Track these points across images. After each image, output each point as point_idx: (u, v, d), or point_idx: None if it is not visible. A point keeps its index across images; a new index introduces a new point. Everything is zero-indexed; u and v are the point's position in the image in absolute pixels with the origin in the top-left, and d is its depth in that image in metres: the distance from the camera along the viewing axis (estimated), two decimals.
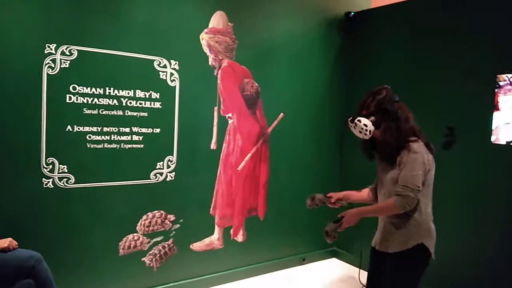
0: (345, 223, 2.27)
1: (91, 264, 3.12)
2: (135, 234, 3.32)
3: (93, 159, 3.07)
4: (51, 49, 2.84)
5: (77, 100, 2.97)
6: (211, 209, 3.74)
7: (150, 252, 3.41)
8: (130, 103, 3.20)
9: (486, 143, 3.21)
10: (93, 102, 3.04)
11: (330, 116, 4.44)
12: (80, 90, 2.98)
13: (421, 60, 3.74)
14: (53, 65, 2.86)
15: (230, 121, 3.77)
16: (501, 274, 3.11)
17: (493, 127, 3.18)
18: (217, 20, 3.60)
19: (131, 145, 3.24)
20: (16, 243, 2.50)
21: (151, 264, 3.42)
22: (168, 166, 3.44)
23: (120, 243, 3.26)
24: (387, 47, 4.10)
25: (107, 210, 3.17)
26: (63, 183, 2.96)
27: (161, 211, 3.44)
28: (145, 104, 3.27)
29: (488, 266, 3.18)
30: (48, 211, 2.92)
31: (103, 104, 3.08)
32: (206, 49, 3.55)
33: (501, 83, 3.13)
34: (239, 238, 3.96)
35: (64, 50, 2.89)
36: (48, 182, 2.91)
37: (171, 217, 3.49)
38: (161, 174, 3.41)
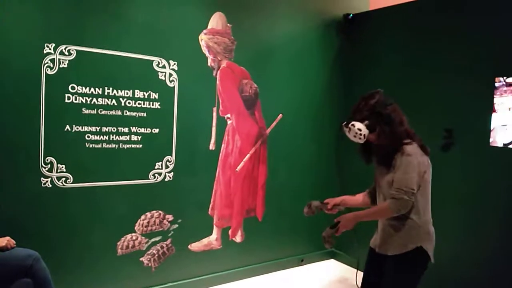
0: (342, 227, 2.28)
1: (90, 264, 3.13)
2: (133, 234, 3.32)
3: (91, 159, 3.08)
4: (50, 49, 2.85)
5: (75, 100, 2.98)
6: (209, 209, 3.74)
7: (149, 252, 3.41)
8: (129, 103, 3.21)
9: (484, 145, 3.21)
10: (92, 102, 3.05)
11: (329, 117, 4.45)
12: (79, 90, 2.99)
13: (419, 62, 3.75)
14: (52, 65, 2.87)
15: (229, 122, 3.78)
16: (500, 275, 3.11)
17: (491, 129, 3.19)
18: (216, 21, 3.61)
19: (130, 145, 3.24)
20: (14, 242, 2.50)
21: (150, 264, 3.42)
22: (167, 166, 3.45)
23: (118, 243, 3.26)
24: (385, 49, 4.11)
25: (106, 210, 3.18)
26: (61, 182, 2.97)
27: (160, 211, 3.44)
28: (144, 104, 3.28)
29: (488, 267, 3.18)
30: (47, 211, 2.93)
31: (101, 104, 3.09)
32: (205, 50, 3.56)
33: (496, 85, 3.14)
34: (238, 238, 3.96)
35: (63, 50, 2.90)
36: (47, 181, 2.91)
37: (170, 217, 3.50)
38: (159, 174, 3.41)
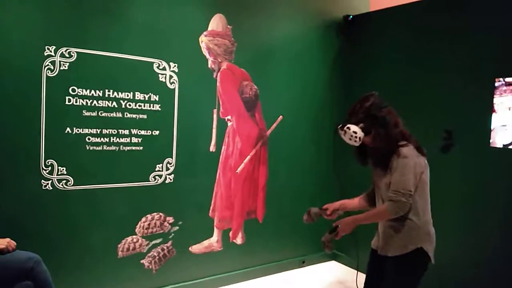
0: (341, 231, 2.29)
1: (90, 266, 3.12)
2: (134, 236, 3.32)
3: (92, 161, 3.07)
4: (51, 51, 2.85)
5: (76, 102, 2.98)
6: (210, 211, 3.74)
7: (149, 254, 3.40)
8: (130, 105, 3.21)
9: (484, 146, 3.21)
10: (92, 104, 3.05)
11: (329, 118, 4.45)
12: (79, 92, 2.98)
13: (419, 63, 3.75)
14: (52, 67, 2.87)
15: (229, 124, 3.78)
16: (500, 275, 3.11)
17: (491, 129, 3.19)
18: (217, 22, 3.61)
19: (130, 147, 3.24)
20: (15, 243, 2.49)
21: (150, 266, 3.42)
22: (167, 168, 3.44)
23: (119, 245, 3.25)
24: (385, 50, 4.11)
25: (106, 212, 3.17)
26: (62, 185, 2.97)
27: (160, 213, 3.44)
28: (144, 106, 3.28)
29: (488, 267, 3.18)
30: (47, 213, 2.92)
31: (102, 106, 3.09)
32: (205, 52, 3.56)
33: (496, 84, 3.14)
34: (238, 240, 3.96)
35: (64, 52, 2.90)
36: (47, 184, 2.91)
37: (170, 219, 3.49)
38: (160, 176, 3.41)
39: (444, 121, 3.50)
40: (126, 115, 3.20)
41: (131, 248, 3.31)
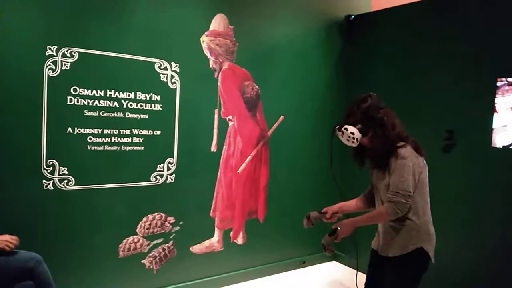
0: (341, 234, 2.28)
1: (91, 266, 3.12)
2: (135, 236, 3.32)
3: (93, 161, 3.07)
4: (52, 51, 2.85)
5: (77, 102, 2.98)
6: (211, 211, 3.74)
7: (150, 255, 3.40)
8: (131, 105, 3.21)
9: (485, 146, 3.21)
10: (94, 104, 3.04)
11: (331, 118, 4.43)
12: (81, 92, 2.98)
13: (421, 63, 3.74)
14: (54, 67, 2.87)
15: (230, 124, 3.78)
16: (500, 275, 3.12)
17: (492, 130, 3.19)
18: (218, 22, 3.61)
19: (132, 147, 3.24)
20: (16, 238, 2.42)
21: (151, 267, 3.42)
22: (169, 168, 3.44)
23: (120, 245, 3.25)
24: (387, 50, 4.11)
25: (107, 212, 3.17)
26: (63, 185, 2.97)
27: (161, 213, 3.44)
28: (145, 106, 3.27)
29: (488, 267, 3.18)
30: (49, 213, 2.92)
31: (103, 106, 3.09)
32: (206, 52, 3.55)
33: (498, 84, 3.13)
34: (239, 240, 3.96)
35: (65, 52, 2.90)
36: (49, 184, 2.91)
37: (171, 219, 3.49)
38: (161, 176, 3.41)
39: (445, 121, 3.49)
40: (128, 115, 3.20)
41: (132, 248, 3.31)
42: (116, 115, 3.14)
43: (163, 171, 3.42)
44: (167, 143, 3.42)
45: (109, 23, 3.07)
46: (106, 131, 3.11)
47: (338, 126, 2.30)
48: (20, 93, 2.76)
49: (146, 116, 3.29)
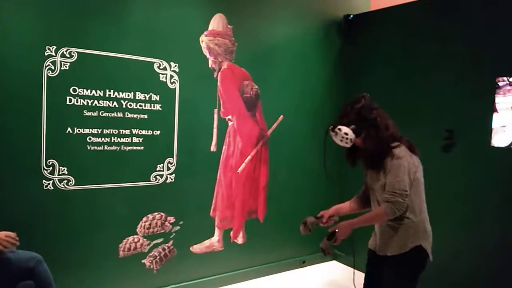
0: (340, 237, 2.28)
1: (92, 266, 3.12)
2: (135, 236, 3.32)
3: (93, 161, 3.08)
4: (51, 51, 2.86)
5: (77, 102, 2.98)
6: (211, 211, 3.74)
7: (150, 254, 3.41)
8: (130, 105, 3.21)
9: (485, 146, 3.21)
10: (93, 104, 3.05)
11: (330, 118, 4.40)
12: (80, 92, 2.99)
13: (420, 62, 3.75)
14: (53, 67, 2.87)
15: (230, 123, 3.78)
16: (500, 273, 3.12)
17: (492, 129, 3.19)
18: (217, 22, 3.61)
19: (131, 147, 3.24)
20: (11, 234, 2.35)
21: (151, 266, 3.42)
22: (168, 168, 3.45)
23: (120, 245, 3.26)
24: (386, 49, 4.11)
25: (107, 212, 3.18)
26: (63, 185, 2.97)
27: (161, 213, 3.44)
28: (145, 106, 3.28)
29: (487, 264, 3.19)
30: (49, 213, 2.93)
31: (103, 106, 3.09)
32: (205, 52, 3.56)
33: (500, 84, 3.14)
34: (239, 240, 3.96)
35: (64, 52, 2.90)
36: (49, 184, 2.91)
37: (171, 219, 3.50)
38: (161, 176, 3.41)
39: (445, 121, 3.50)
40: (127, 115, 3.20)
41: (132, 248, 3.31)
42: (115, 115, 3.15)
43: (163, 171, 3.42)
44: (167, 143, 3.43)
45: (108, 23, 3.07)
46: (105, 131, 3.11)
47: (331, 127, 2.31)
48: (19, 93, 2.77)
49: (146, 116, 3.29)
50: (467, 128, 3.36)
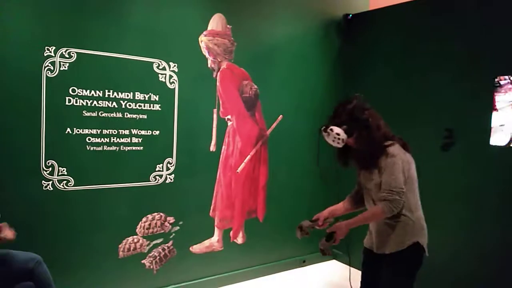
0: (338, 237, 2.29)
1: (91, 267, 3.12)
2: (135, 236, 3.32)
3: (92, 162, 3.07)
4: (50, 52, 2.85)
5: (76, 102, 2.98)
6: (210, 211, 3.74)
7: (150, 255, 3.41)
8: (130, 105, 3.21)
9: (484, 145, 3.21)
10: (93, 105, 3.04)
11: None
12: (80, 93, 2.98)
13: (419, 61, 3.74)
14: (52, 68, 2.87)
15: (229, 123, 3.78)
16: (499, 272, 3.12)
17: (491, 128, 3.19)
18: (216, 22, 3.61)
19: (131, 148, 3.24)
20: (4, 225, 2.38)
21: (151, 267, 3.42)
22: (168, 168, 3.44)
23: (120, 246, 3.25)
24: (385, 49, 4.11)
25: (107, 213, 3.17)
26: (62, 185, 2.97)
27: (161, 213, 3.44)
28: (144, 107, 3.28)
29: (487, 263, 3.18)
30: (48, 214, 2.92)
31: (102, 107, 3.09)
32: (205, 52, 3.56)
33: (502, 82, 3.13)
34: (239, 240, 3.96)
35: (63, 53, 2.90)
36: (48, 184, 2.91)
37: (171, 219, 3.49)
38: (160, 176, 3.41)
39: (444, 120, 3.49)
40: (126, 115, 3.20)
41: (132, 248, 3.31)
42: (115, 115, 3.14)
43: (163, 171, 3.42)
44: (166, 143, 3.42)
45: (107, 24, 3.07)
46: (105, 131, 3.11)
47: (324, 127, 2.33)
48: (18, 94, 2.76)
49: (145, 116, 3.29)
50: (466, 127, 3.36)
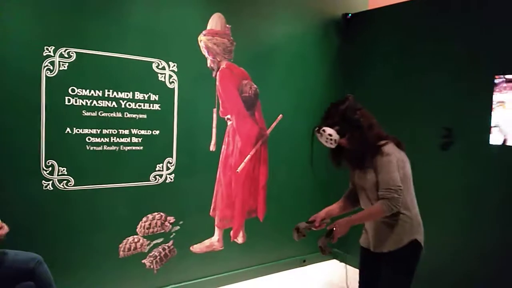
0: (337, 234, 2.29)
1: (92, 266, 3.12)
2: (135, 236, 3.32)
3: (92, 162, 3.07)
4: (50, 52, 2.85)
5: (76, 102, 2.98)
6: (211, 210, 3.74)
7: (151, 254, 3.40)
8: (129, 105, 3.21)
9: (483, 144, 3.21)
10: (92, 104, 3.04)
11: None
12: (79, 92, 2.98)
13: (418, 61, 3.75)
14: (51, 68, 2.87)
15: (229, 123, 3.78)
16: (499, 271, 3.12)
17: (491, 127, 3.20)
18: (215, 22, 3.61)
19: (131, 147, 3.24)
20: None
21: (152, 266, 3.42)
22: (168, 168, 3.44)
23: (120, 245, 3.25)
24: (384, 48, 4.12)
25: (107, 212, 3.17)
26: (62, 185, 2.96)
27: (161, 213, 3.44)
28: (144, 106, 3.28)
29: (487, 262, 3.19)
30: (48, 214, 2.92)
31: (102, 106, 3.09)
32: (204, 51, 3.56)
33: (496, 81, 3.14)
34: (239, 239, 3.96)
35: (63, 53, 2.90)
36: (48, 184, 2.91)
37: (171, 219, 3.49)
38: (160, 176, 3.41)
39: (443, 119, 3.50)
40: (126, 115, 3.20)
41: (132, 248, 3.31)
42: (114, 115, 3.14)
43: (163, 170, 3.42)
44: (166, 143, 3.42)
45: (106, 23, 3.07)
46: (104, 131, 3.11)
47: (317, 128, 2.34)
48: (18, 94, 2.76)
49: (145, 116, 3.29)
50: (466, 127, 3.36)
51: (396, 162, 2.24)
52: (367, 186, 2.34)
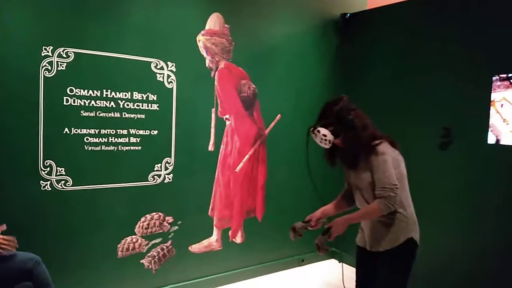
0: (334, 233, 2.30)
1: (90, 267, 3.12)
2: (133, 236, 3.31)
3: (91, 162, 3.07)
4: (48, 52, 2.85)
5: (74, 102, 2.97)
6: (209, 210, 3.74)
7: (149, 254, 3.40)
8: (128, 105, 3.21)
9: (482, 143, 3.22)
10: (91, 104, 3.04)
11: None
12: (77, 93, 2.98)
13: (417, 60, 3.75)
14: (50, 68, 2.86)
15: (227, 123, 3.78)
16: (498, 269, 3.12)
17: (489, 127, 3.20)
18: (214, 22, 3.61)
19: (129, 147, 3.24)
20: (9, 238, 2.37)
21: (150, 266, 3.42)
22: (166, 168, 3.44)
23: (118, 245, 3.25)
24: (383, 48, 4.12)
25: (105, 213, 3.17)
26: (61, 185, 2.96)
27: (160, 213, 3.43)
28: (142, 106, 3.27)
29: (486, 261, 3.19)
30: (46, 214, 2.92)
31: (100, 106, 3.08)
32: (203, 51, 3.56)
33: (493, 79, 3.15)
34: (238, 239, 3.96)
35: (61, 53, 2.90)
36: (46, 184, 2.91)
37: (170, 219, 3.49)
38: (159, 176, 3.41)
39: (442, 119, 3.50)
40: (124, 115, 3.20)
41: (130, 248, 3.31)
42: (113, 115, 3.14)
43: (161, 170, 3.42)
44: (165, 143, 3.42)
45: (104, 23, 3.07)
46: (103, 131, 3.11)
47: (311, 128, 2.36)
48: (16, 94, 2.76)
49: (143, 116, 3.29)
50: (464, 126, 3.36)
51: (391, 160, 2.25)
52: (362, 186, 2.34)
